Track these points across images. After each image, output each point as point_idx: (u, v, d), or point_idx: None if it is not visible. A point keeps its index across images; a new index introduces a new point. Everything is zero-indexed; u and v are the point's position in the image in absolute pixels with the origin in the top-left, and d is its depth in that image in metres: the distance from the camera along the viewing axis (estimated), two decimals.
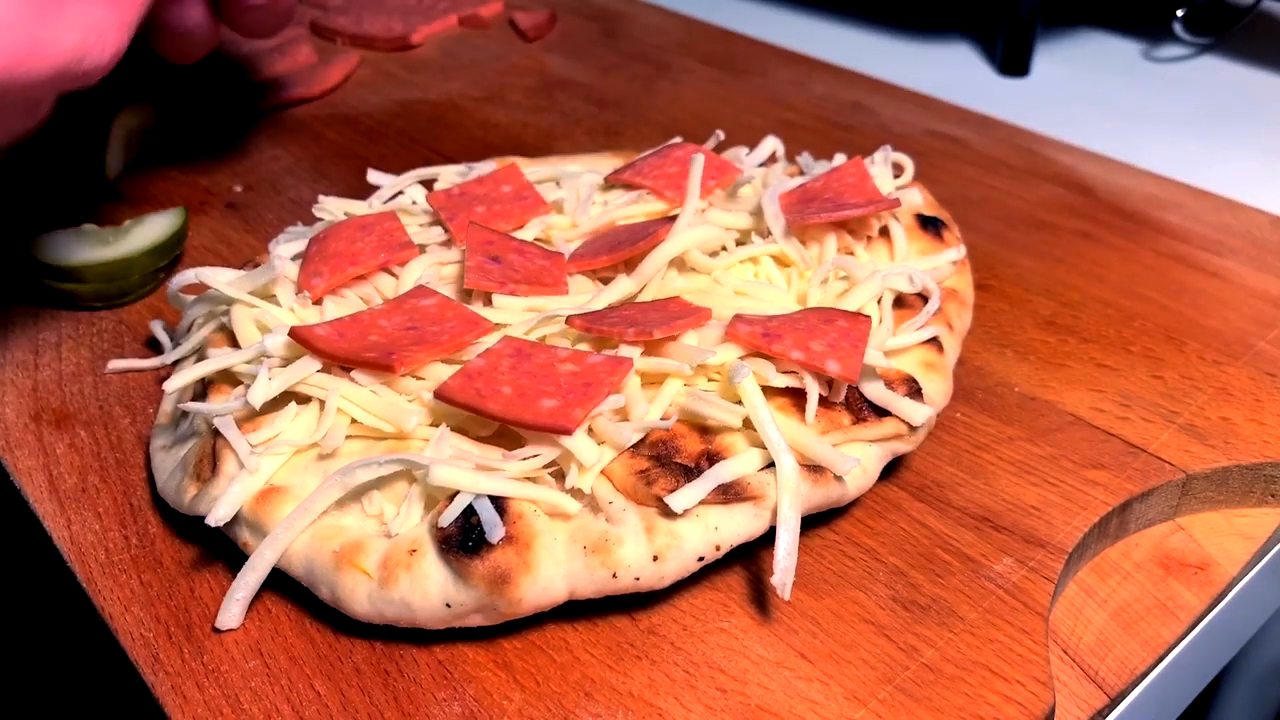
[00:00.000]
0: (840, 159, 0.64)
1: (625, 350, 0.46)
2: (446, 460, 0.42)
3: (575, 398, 0.43)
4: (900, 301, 0.54)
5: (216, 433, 0.45)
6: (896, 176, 0.65)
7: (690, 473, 0.43)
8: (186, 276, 0.55)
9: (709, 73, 0.95)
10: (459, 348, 0.47)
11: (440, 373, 0.46)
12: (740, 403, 0.44)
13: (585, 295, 0.53)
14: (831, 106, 0.87)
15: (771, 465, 0.44)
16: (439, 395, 0.44)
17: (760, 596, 0.44)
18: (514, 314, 0.51)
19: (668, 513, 0.42)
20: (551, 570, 0.41)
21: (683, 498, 0.42)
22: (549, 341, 0.49)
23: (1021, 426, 0.52)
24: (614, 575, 0.41)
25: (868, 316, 0.49)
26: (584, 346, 0.48)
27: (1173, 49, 1.04)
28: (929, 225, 0.59)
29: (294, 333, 0.47)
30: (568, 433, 0.42)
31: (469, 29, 1.06)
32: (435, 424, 0.45)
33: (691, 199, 0.56)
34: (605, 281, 0.53)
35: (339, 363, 0.46)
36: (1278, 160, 0.83)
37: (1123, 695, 0.43)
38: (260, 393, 0.44)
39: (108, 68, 0.51)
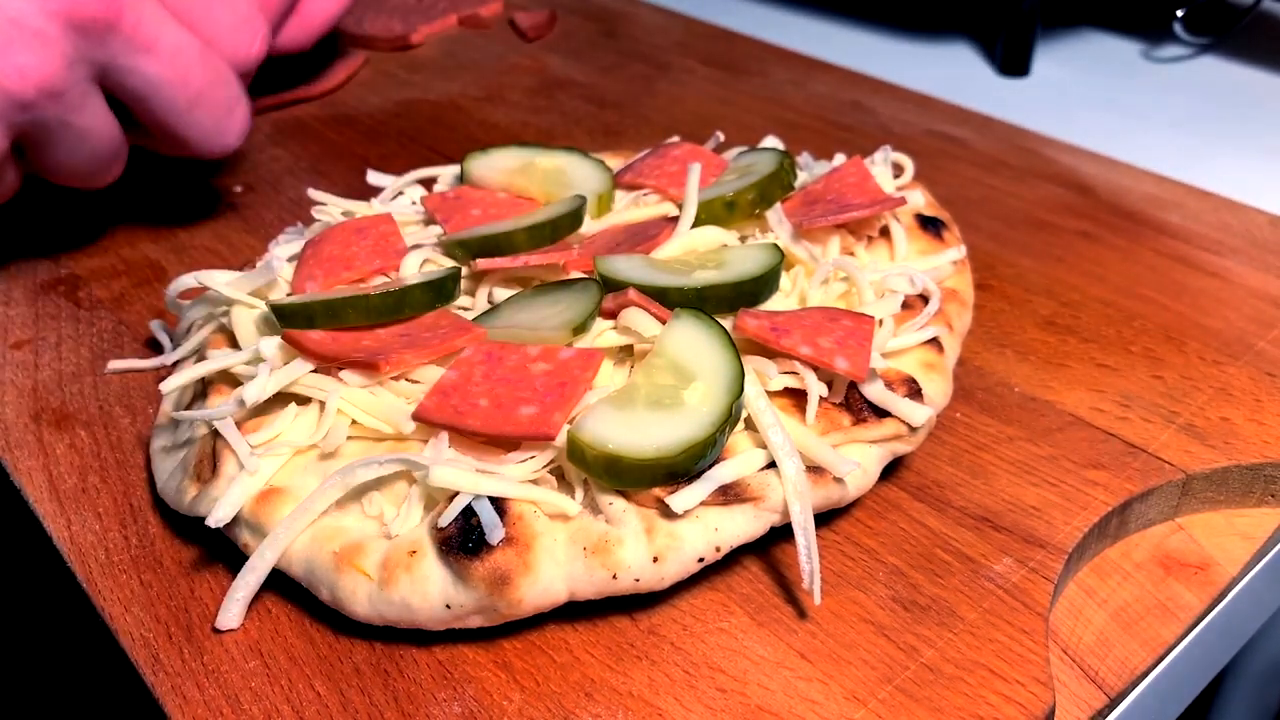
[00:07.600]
0: (840, 159, 0.64)
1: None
2: (446, 461, 0.42)
3: (553, 400, 0.43)
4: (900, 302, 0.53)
5: (216, 434, 0.45)
6: (896, 176, 0.65)
7: (691, 474, 0.43)
8: (185, 280, 0.55)
9: (709, 73, 0.95)
10: (449, 352, 0.47)
11: (434, 376, 0.46)
12: None
13: None
14: (831, 106, 0.87)
15: (771, 465, 0.44)
16: (417, 417, 0.44)
17: (760, 596, 0.44)
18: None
19: (668, 513, 0.42)
20: (551, 571, 0.41)
21: (683, 499, 0.42)
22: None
23: (1021, 426, 0.52)
24: (614, 576, 0.41)
25: (871, 316, 0.49)
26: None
27: (1173, 49, 1.04)
28: (929, 225, 0.59)
29: (287, 336, 0.46)
30: (550, 439, 0.42)
31: (469, 29, 1.06)
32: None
33: (690, 204, 0.56)
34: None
35: (331, 365, 0.46)
36: (1278, 160, 0.83)
37: (1123, 695, 0.43)
38: (254, 392, 0.44)
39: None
